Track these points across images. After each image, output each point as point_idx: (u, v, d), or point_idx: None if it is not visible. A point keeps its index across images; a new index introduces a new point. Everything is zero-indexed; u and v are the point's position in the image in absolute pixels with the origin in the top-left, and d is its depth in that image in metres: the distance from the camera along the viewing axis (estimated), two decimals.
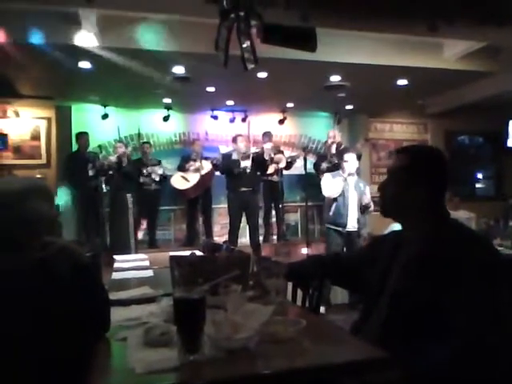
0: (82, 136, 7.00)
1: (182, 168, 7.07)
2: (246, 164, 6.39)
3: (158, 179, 6.99)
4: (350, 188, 5.16)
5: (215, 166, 6.93)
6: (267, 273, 1.68)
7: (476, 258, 1.35)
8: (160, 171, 7.01)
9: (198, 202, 7.01)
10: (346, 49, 5.44)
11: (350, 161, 5.24)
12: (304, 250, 5.69)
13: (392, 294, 1.45)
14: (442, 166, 1.57)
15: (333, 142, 7.02)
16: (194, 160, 7.04)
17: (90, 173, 6.68)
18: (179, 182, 6.98)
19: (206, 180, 6.99)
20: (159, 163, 7.20)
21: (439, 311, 1.31)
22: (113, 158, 6.72)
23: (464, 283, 1.31)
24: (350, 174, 5.18)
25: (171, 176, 7.11)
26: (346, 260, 1.92)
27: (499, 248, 4.18)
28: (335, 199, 5.17)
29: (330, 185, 5.22)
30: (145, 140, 7.57)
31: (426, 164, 1.54)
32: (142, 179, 6.91)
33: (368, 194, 5.24)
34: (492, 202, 8.38)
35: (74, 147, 7.16)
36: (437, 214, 1.52)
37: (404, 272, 1.46)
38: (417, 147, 1.79)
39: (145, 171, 6.91)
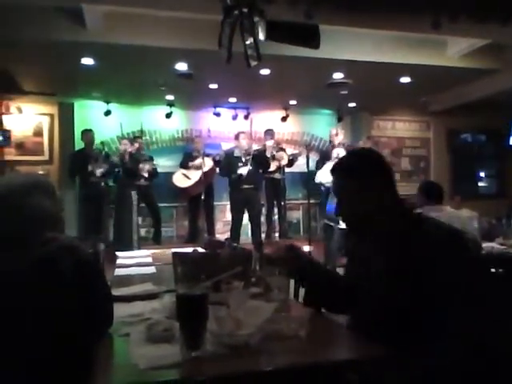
0: (87, 133, 7.00)
1: (183, 165, 7.07)
2: (244, 171, 6.38)
3: (146, 175, 6.88)
4: None
5: (216, 163, 6.93)
6: (270, 270, 1.68)
7: (444, 251, 1.37)
8: (147, 167, 6.86)
9: (200, 199, 7.02)
10: (348, 46, 5.44)
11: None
12: (306, 248, 5.70)
13: (372, 296, 1.47)
14: (376, 162, 1.59)
15: (335, 139, 7.01)
16: (196, 157, 7.03)
17: (98, 173, 6.67)
18: (181, 179, 6.99)
19: (207, 177, 6.99)
20: (150, 159, 7.09)
21: (418, 308, 1.32)
22: (115, 157, 6.72)
23: (437, 278, 1.33)
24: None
25: (167, 172, 7.07)
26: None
27: (501, 247, 4.18)
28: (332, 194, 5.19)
29: (322, 172, 5.24)
30: (142, 136, 7.44)
31: (361, 166, 1.57)
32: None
33: None
34: (494, 200, 8.37)
35: (78, 144, 7.17)
36: (397, 210, 1.54)
37: (379, 274, 1.46)
38: (346, 157, 1.78)
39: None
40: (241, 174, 6.36)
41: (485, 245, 3.96)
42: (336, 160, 1.74)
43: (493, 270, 3.70)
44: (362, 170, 1.55)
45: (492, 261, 3.77)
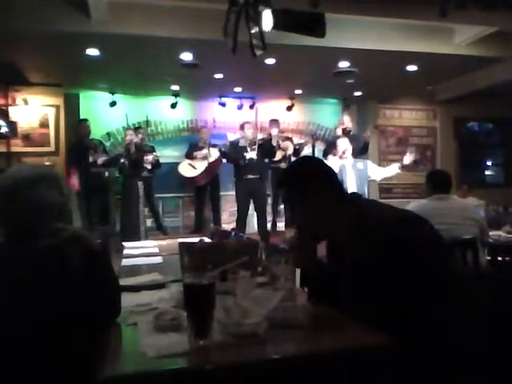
0: (82, 123, 6.98)
1: (189, 155, 7.07)
2: (252, 155, 6.38)
3: (149, 167, 6.81)
4: (347, 171, 5.16)
5: (222, 154, 6.93)
6: (276, 259, 1.69)
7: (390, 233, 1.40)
8: (150, 158, 6.77)
9: (206, 189, 7.02)
10: (355, 34, 5.39)
11: (341, 145, 5.37)
12: None
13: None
14: (311, 169, 1.65)
15: (342, 128, 6.98)
16: (202, 147, 7.03)
17: (100, 161, 6.68)
18: (187, 169, 6.99)
19: (213, 168, 6.99)
20: (152, 150, 7.01)
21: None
22: (120, 148, 6.73)
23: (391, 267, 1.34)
24: (343, 158, 5.25)
25: (173, 163, 7.07)
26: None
27: (508, 235, 4.16)
28: None
29: (327, 162, 5.24)
30: (145, 127, 7.40)
31: (298, 177, 1.63)
32: None
33: (372, 168, 5.29)
34: (501, 188, 8.32)
35: None
36: (341, 210, 1.56)
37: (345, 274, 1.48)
38: (286, 171, 1.85)
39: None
40: (250, 158, 6.34)
41: (492, 233, 3.95)
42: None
43: (499, 258, 3.72)
44: (299, 181, 1.60)
45: (499, 249, 3.78)
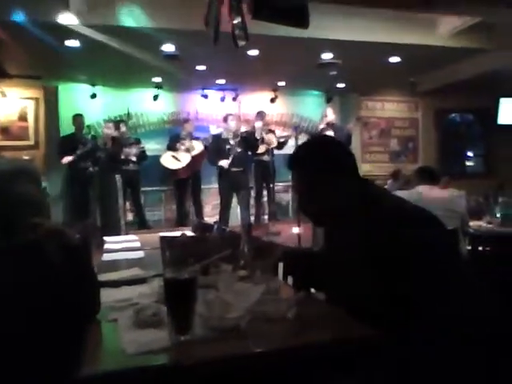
0: (77, 118, 6.93)
1: (171, 147, 6.99)
2: (224, 164, 6.30)
3: (134, 159, 6.80)
4: None
5: (205, 148, 6.87)
6: (255, 253, 1.67)
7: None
8: (134, 151, 6.76)
9: (187, 182, 6.98)
10: (338, 26, 5.39)
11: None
12: (295, 230, 5.71)
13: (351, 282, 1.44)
14: (328, 149, 1.54)
15: (326, 120, 6.98)
16: (185, 139, 6.97)
17: (71, 158, 6.57)
18: (170, 161, 6.92)
19: (197, 161, 6.94)
20: (137, 142, 6.98)
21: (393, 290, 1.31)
22: (100, 140, 6.65)
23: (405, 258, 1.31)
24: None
25: (155, 156, 7.00)
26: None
27: (489, 225, 4.22)
28: None
29: None
30: (127, 120, 7.30)
31: (315, 157, 1.52)
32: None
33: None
34: (482, 179, 8.43)
35: (64, 128, 7.09)
36: (357, 196, 1.48)
37: (354, 260, 1.43)
38: (299, 150, 1.66)
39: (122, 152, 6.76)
40: (222, 167, 6.32)
41: (472, 223, 4.01)
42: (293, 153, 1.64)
43: (480, 247, 3.77)
44: (316, 162, 1.50)
45: (480, 239, 3.83)
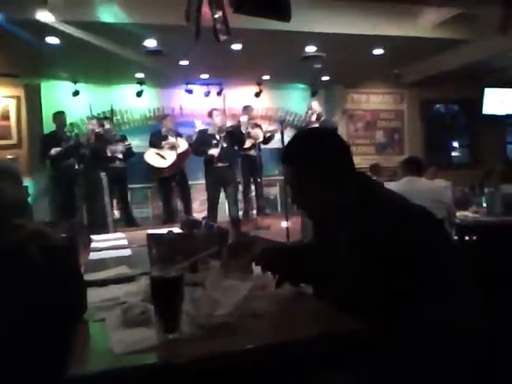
0: (58, 115, 6.82)
1: (155, 145, 6.87)
2: (214, 152, 6.25)
3: (120, 156, 6.71)
4: None
5: (190, 145, 6.81)
6: (229, 253, 1.64)
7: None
8: (120, 148, 6.66)
9: (172, 178, 6.90)
10: (321, 18, 5.38)
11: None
12: (284, 224, 5.72)
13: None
14: (328, 142, 1.50)
15: (312, 114, 6.98)
16: (166, 136, 6.88)
17: (52, 152, 6.48)
18: (154, 159, 6.83)
19: (182, 159, 6.86)
20: (122, 139, 6.86)
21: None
22: (83, 138, 6.57)
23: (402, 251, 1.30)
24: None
25: (141, 153, 6.96)
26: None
27: (475, 215, 4.25)
28: None
29: None
30: (112, 117, 7.24)
31: (306, 151, 1.47)
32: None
33: None
34: (468, 169, 8.50)
35: (47, 126, 6.99)
36: (355, 191, 1.44)
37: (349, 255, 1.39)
38: (294, 142, 1.57)
39: (107, 149, 6.67)
40: (212, 155, 6.26)
41: (459, 213, 4.05)
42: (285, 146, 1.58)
43: (466, 237, 3.81)
44: (310, 155, 1.45)
45: (466, 229, 3.87)
